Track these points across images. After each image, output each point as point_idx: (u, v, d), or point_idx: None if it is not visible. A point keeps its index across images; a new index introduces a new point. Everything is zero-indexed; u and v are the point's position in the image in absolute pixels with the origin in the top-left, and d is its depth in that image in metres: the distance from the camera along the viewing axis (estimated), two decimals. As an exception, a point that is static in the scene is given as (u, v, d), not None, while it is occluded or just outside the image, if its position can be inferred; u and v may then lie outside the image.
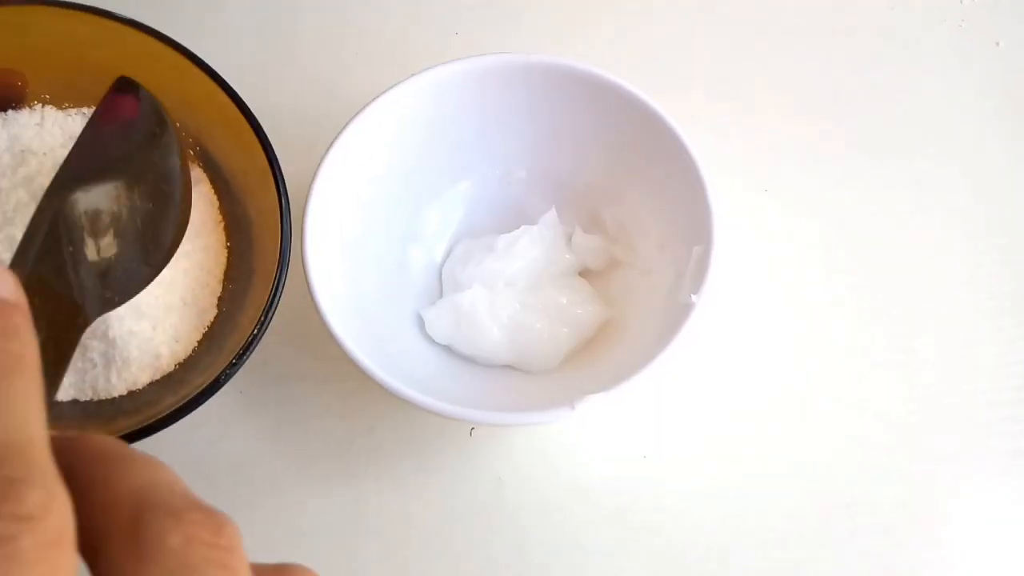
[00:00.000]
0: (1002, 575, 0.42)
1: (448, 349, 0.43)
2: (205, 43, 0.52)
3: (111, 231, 0.31)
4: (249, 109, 0.40)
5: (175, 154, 0.34)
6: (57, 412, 0.34)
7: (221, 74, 0.40)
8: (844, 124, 0.51)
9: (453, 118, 0.44)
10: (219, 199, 0.43)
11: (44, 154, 0.39)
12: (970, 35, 0.54)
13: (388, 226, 0.44)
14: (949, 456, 0.44)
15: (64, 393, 0.37)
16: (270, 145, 0.39)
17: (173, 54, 0.40)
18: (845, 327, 0.46)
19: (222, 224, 0.43)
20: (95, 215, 0.30)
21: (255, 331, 0.36)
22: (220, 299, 0.41)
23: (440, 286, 0.45)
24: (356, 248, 0.42)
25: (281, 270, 0.37)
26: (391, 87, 0.42)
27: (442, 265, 0.46)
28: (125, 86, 0.35)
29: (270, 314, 0.36)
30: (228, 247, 0.42)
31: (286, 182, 0.39)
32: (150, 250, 0.33)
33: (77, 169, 0.30)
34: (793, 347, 0.46)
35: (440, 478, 0.43)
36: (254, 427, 0.43)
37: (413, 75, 0.42)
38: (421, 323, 0.43)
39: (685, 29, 0.54)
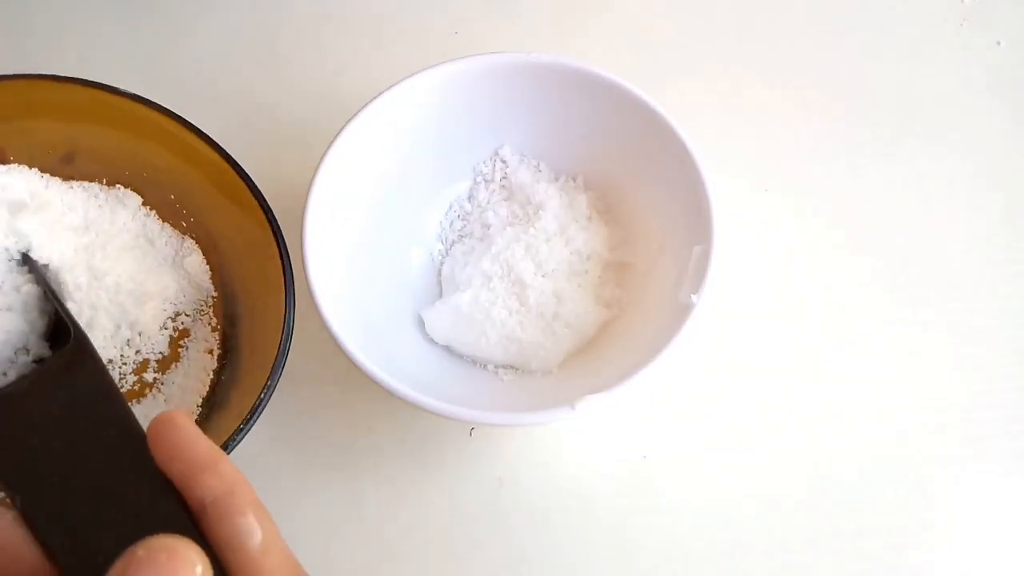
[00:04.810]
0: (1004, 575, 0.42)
1: (448, 349, 0.43)
2: (203, 44, 0.52)
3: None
4: (245, 171, 0.40)
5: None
6: None
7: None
8: (845, 124, 0.51)
9: (453, 117, 0.44)
10: (212, 269, 0.44)
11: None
12: (971, 35, 0.54)
13: (388, 227, 0.44)
14: (950, 457, 0.44)
15: None
16: (265, 200, 0.40)
17: (166, 120, 0.41)
18: (846, 327, 0.46)
19: (217, 295, 0.43)
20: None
21: (267, 382, 0.37)
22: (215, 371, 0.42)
23: (440, 286, 0.45)
24: (356, 249, 0.42)
25: (285, 340, 0.37)
26: (390, 87, 0.42)
27: (442, 265, 0.46)
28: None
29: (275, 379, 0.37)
30: (221, 325, 0.43)
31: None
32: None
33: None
34: (793, 347, 0.46)
35: (440, 478, 0.43)
36: (254, 427, 0.43)
37: (412, 75, 0.42)
38: (421, 323, 0.43)
39: (685, 28, 0.54)
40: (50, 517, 0.25)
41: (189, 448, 0.25)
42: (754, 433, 0.44)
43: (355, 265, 0.42)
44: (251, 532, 0.24)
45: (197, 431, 0.26)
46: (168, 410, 0.26)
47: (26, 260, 0.37)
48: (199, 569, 0.22)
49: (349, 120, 0.41)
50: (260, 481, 0.42)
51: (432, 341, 0.43)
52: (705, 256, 0.39)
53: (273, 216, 0.39)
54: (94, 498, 0.26)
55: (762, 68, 0.53)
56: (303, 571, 0.25)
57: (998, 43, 0.54)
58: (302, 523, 0.42)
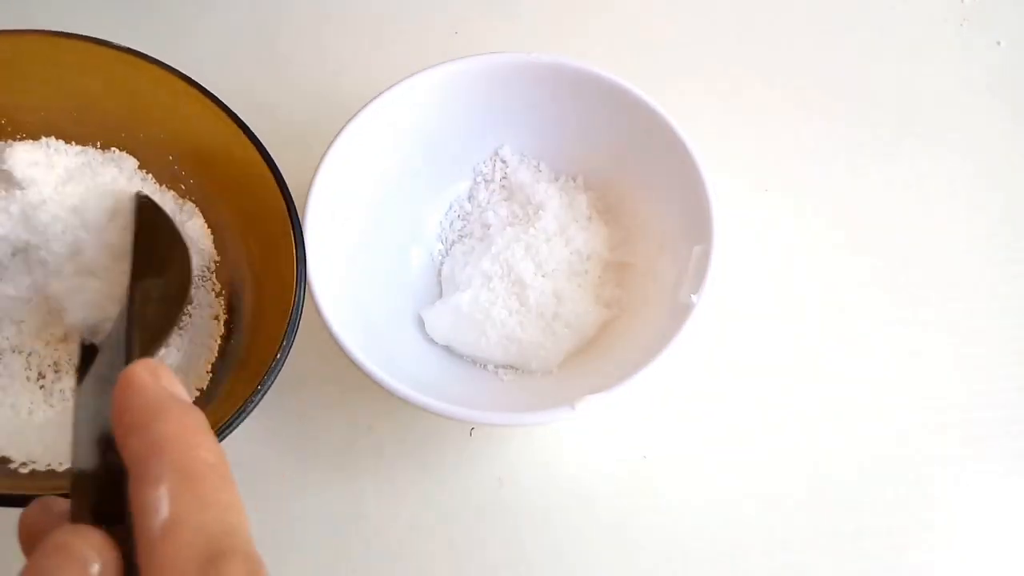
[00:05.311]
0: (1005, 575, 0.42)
1: (448, 349, 0.43)
2: (203, 44, 0.52)
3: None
4: (245, 123, 0.38)
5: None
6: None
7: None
8: (845, 124, 0.51)
9: (452, 118, 0.44)
10: (214, 232, 0.42)
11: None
12: (971, 35, 0.54)
13: (388, 227, 0.44)
14: (950, 457, 0.44)
15: None
16: (268, 153, 0.38)
17: (168, 76, 0.39)
18: (846, 327, 0.46)
19: (219, 260, 0.42)
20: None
21: (277, 356, 0.35)
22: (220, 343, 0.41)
23: (440, 286, 0.45)
24: (356, 249, 0.42)
25: (296, 309, 0.36)
26: (390, 87, 0.42)
27: (442, 265, 0.46)
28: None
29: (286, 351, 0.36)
30: (225, 290, 0.41)
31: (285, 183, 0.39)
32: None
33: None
34: (793, 347, 0.46)
35: (440, 478, 0.43)
36: (254, 427, 0.43)
37: (412, 75, 0.42)
38: (421, 323, 0.43)
39: (685, 28, 0.54)
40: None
41: (128, 410, 0.22)
42: (754, 433, 0.44)
43: (355, 265, 0.42)
44: (154, 508, 0.20)
45: (145, 384, 0.23)
46: (137, 362, 0.23)
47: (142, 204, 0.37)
48: (95, 569, 0.19)
49: (349, 120, 0.41)
50: (259, 481, 0.42)
51: (432, 341, 0.43)
52: (705, 256, 0.39)
53: (277, 170, 0.37)
54: (101, 474, 0.24)
55: (762, 68, 0.53)
56: (230, 566, 0.19)
57: (998, 43, 0.54)
58: (302, 523, 0.42)
